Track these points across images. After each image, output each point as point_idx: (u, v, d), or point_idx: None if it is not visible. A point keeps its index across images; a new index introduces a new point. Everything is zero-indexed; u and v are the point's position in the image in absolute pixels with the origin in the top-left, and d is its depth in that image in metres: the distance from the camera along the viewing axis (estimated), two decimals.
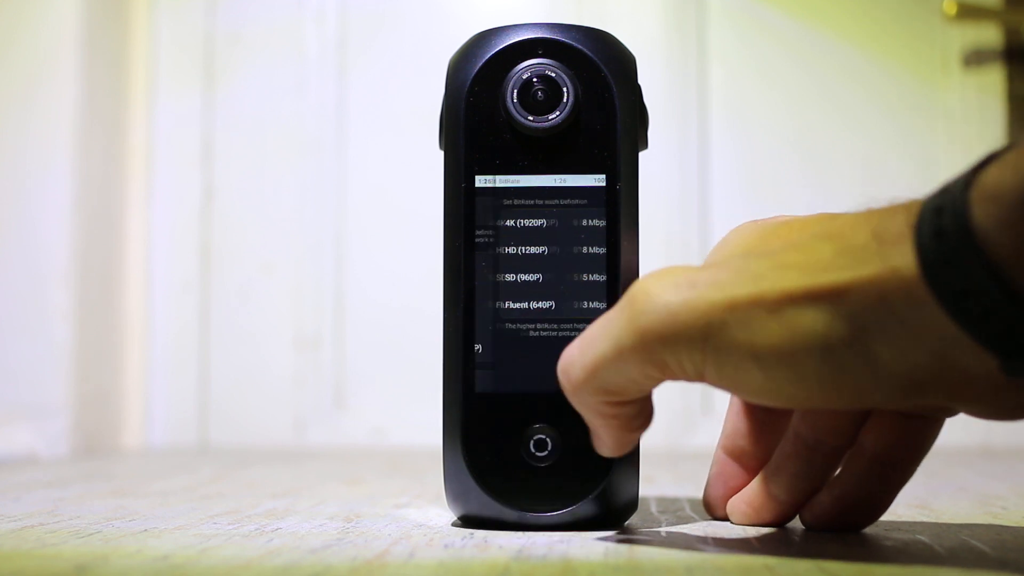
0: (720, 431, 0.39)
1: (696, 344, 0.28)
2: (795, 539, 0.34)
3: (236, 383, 1.04)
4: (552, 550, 0.32)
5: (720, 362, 0.28)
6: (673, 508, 0.44)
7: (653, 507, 0.45)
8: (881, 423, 0.34)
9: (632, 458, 0.36)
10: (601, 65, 0.37)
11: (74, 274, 0.93)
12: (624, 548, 0.32)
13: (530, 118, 0.37)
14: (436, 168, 0.39)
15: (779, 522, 0.37)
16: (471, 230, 0.37)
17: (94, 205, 0.97)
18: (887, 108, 1.02)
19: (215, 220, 1.05)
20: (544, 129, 0.37)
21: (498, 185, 0.37)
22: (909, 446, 0.33)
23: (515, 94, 0.37)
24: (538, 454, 0.36)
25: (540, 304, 0.37)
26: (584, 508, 0.36)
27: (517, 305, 0.37)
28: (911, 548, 0.32)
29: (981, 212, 0.24)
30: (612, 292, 0.36)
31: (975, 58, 1.02)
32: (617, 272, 0.36)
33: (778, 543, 0.33)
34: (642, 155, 0.38)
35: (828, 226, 0.28)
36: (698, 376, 0.29)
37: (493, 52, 0.37)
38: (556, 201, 0.37)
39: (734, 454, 0.38)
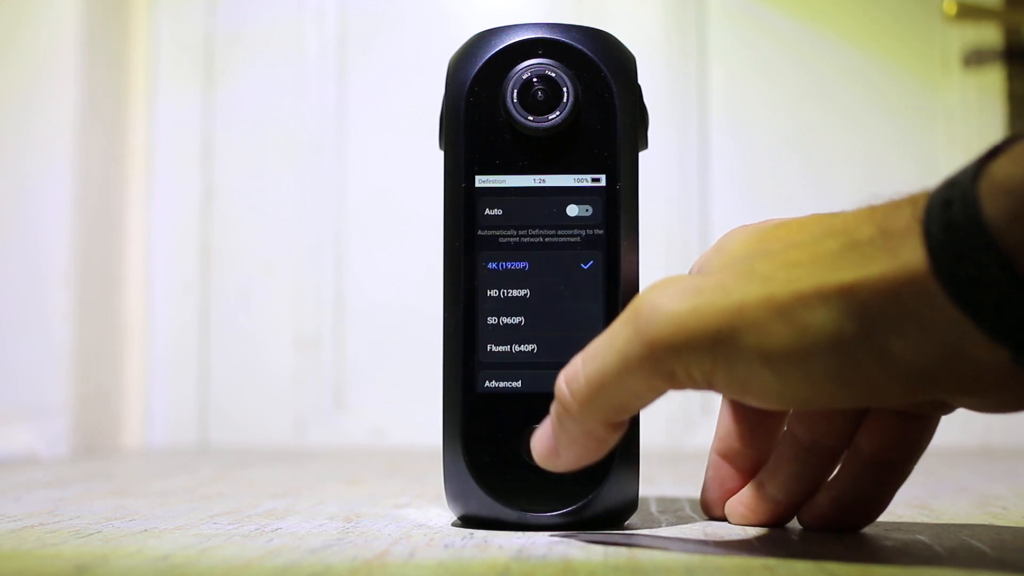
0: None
1: (706, 351, 0.28)
2: (795, 539, 0.34)
3: (236, 383, 1.04)
4: (552, 550, 0.32)
5: (731, 368, 0.28)
6: (673, 508, 0.44)
7: (653, 507, 0.45)
8: (877, 424, 0.34)
9: (632, 458, 0.36)
10: (601, 65, 0.37)
11: (74, 274, 0.93)
12: (624, 548, 0.32)
13: (530, 118, 0.37)
14: (436, 168, 0.39)
15: (777, 523, 0.37)
16: (471, 230, 0.37)
17: (94, 205, 0.97)
18: (887, 108, 1.02)
19: (215, 220, 1.05)
20: (544, 129, 0.37)
21: (498, 185, 0.37)
22: (905, 446, 0.33)
23: (515, 94, 0.37)
24: None
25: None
26: (584, 508, 0.36)
27: (517, 304, 0.37)
28: (911, 548, 0.32)
29: (991, 205, 0.24)
30: (611, 290, 0.36)
31: (975, 58, 1.02)
32: (617, 270, 0.36)
33: (778, 543, 0.33)
34: (642, 155, 0.38)
35: (830, 223, 0.28)
36: (707, 384, 0.29)
37: (493, 52, 0.37)
38: (556, 201, 0.37)
39: (728, 456, 0.39)
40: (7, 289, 0.93)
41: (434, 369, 0.37)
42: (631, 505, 0.37)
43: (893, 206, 0.27)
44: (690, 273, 0.33)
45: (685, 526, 0.38)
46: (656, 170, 0.99)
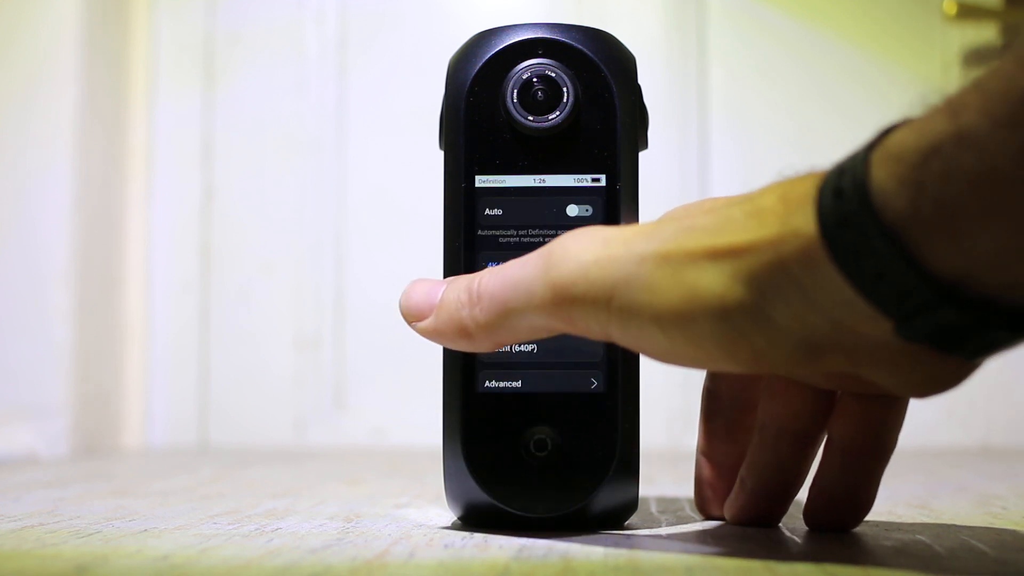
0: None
1: (601, 303, 0.29)
2: (795, 539, 0.34)
3: (236, 383, 1.04)
4: (552, 550, 0.32)
5: (624, 323, 0.29)
6: (673, 508, 0.44)
7: (653, 507, 0.45)
8: (843, 412, 0.33)
9: (632, 458, 0.36)
10: (601, 65, 0.37)
11: (74, 274, 0.93)
12: (624, 548, 0.32)
13: (530, 118, 0.37)
14: (436, 168, 0.38)
15: (765, 518, 0.36)
16: (471, 230, 0.37)
17: (94, 205, 0.97)
18: (887, 108, 1.01)
19: (215, 220, 1.05)
20: (544, 129, 0.37)
21: (498, 185, 0.37)
22: (872, 431, 0.33)
23: (515, 94, 0.37)
24: (538, 454, 0.36)
25: None
26: (584, 508, 0.36)
27: None
28: (911, 548, 0.32)
29: (882, 172, 0.24)
30: None
31: (975, 58, 1.02)
32: None
33: (778, 543, 0.33)
34: (642, 155, 0.38)
35: (742, 195, 0.29)
36: (605, 335, 0.30)
37: (493, 52, 0.37)
38: (556, 201, 0.37)
39: (710, 456, 0.39)
40: (7, 289, 0.93)
41: (434, 369, 0.37)
42: (631, 505, 0.37)
43: (799, 178, 0.27)
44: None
45: (685, 526, 0.38)
46: (656, 170, 0.99)
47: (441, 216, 0.37)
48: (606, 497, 0.36)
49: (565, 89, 0.37)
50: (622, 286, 0.28)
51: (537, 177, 0.37)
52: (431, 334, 0.33)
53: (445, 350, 0.37)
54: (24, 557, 0.31)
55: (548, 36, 0.37)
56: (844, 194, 0.25)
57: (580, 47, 0.37)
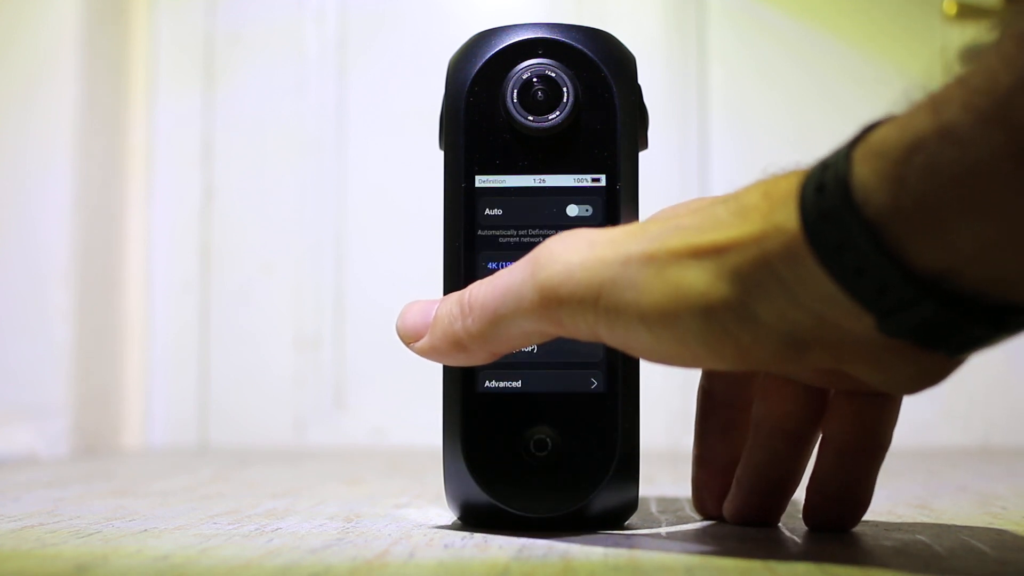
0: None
1: (588, 304, 0.29)
2: (795, 539, 0.34)
3: (236, 383, 1.04)
4: (552, 550, 0.32)
5: (611, 323, 0.29)
6: (673, 508, 0.44)
7: (653, 507, 0.45)
8: (836, 411, 0.33)
9: (632, 458, 0.36)
10: (601, 65, 0.37)
11: (74, 274, 0.93)
12: (624, 548, 0.32)
13: (530, 118, 0.37)
14: (436, 168, 0.38)
15: (764, 517, 0.36)
16: (471, 230, 0.37)
17: (94, 205, 0.97)
18: (887, 108, 1.02)
19: (215, 220, 1.05)
20: (544, 129, 0.37)
21: (498, 185, 0.37)
22: (865, 429, 0.33)
23: (515, 94, 0.37)
24: (538, 454, 0.36)
25: None
26: (584, 508, 0.36)
27: None
28: (911, 548, 0.32)
29: (864, 168, 0.24)
30: None
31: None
32: None
33: (778, 543, 0.33)
34: (642, 155, 0.38)
35: (728, 194, 0.29)
36: (593, 336, 0.30)
37: (493, 52, 0.37)
38: (556, 201, 0.37)
39: (706, 455, 0.39)
40: (7, 289, 0.93)
41: (434, 369, 0.37)
42: (631, 505, 0.37)
43: (783, 175, 0.27)
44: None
45: (685, 526, 0.38)
46: (656, 170, 0.99)
47: (441, 216, 0.37)
48: (606, 497, 0.36)
49: (565, 89, 0.37)
50: (608, 286, 0.29)
51: (537, 177, 0.37)
52: (428, 352, 0.34)
53: None
54: (24, 557, 0.31)
55: (548, 36, 0.37)
56: (826, 189, 0.25)
57: (580, 47, 0.37)
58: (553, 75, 0.37)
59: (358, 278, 1.03)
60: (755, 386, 0.36)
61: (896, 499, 0.47)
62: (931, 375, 0.28)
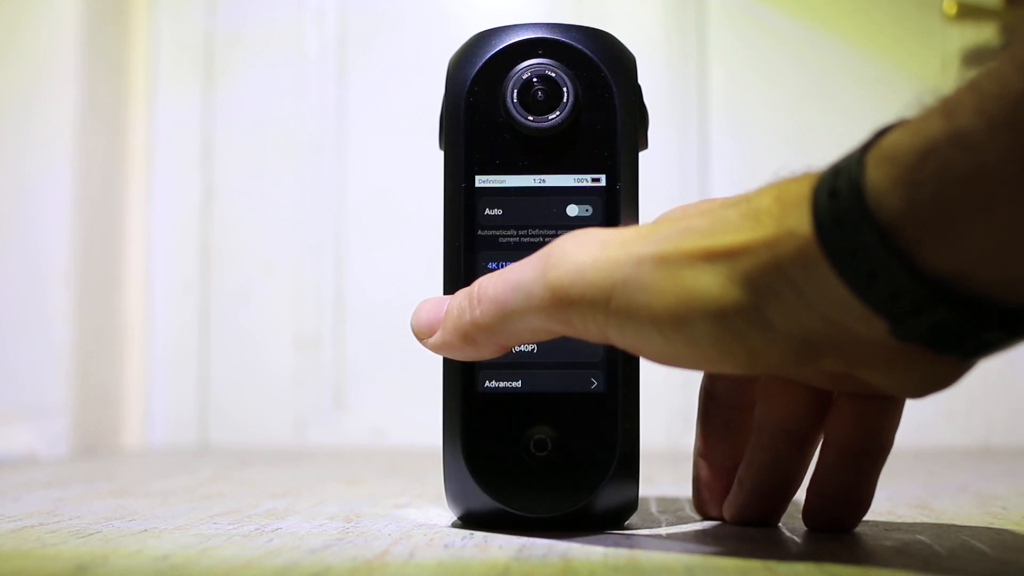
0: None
1: (599, 305, 0.29)
2: (795, 539, 0.34)
3: (236, 383, 1.04)
4: (552, 550, 0.32)
5: (621, 325, 0.29)
6: (673, 508, 0.44)
7: (653, 507, 0.45)
8: (840, 412, 0.33)
9: (632, 458, 0.36)
10: (601, 65, 0.37)
11: (74, 274, 0.93)
12: (624, 548, 0.32)
13: (530, 118, 0.37)
14: (436, 168, 0.38)
15: (765, 518, 0.36)
16: (471, 230, 0.37)
17: (94, 205, 0.97)
18: (887, 108, 1.02)
19: (215, 220, 1.05)
20: (544, 129, 0.37)
21: (498, 185, 0.37)
22: (868, 431, 0.33)
23: (515, 94, 0.37)
24: (538, 454, 0.36)
25: None
26: (584, 508, 0.36)
27: None
28: (911, 548, 0.32)
29: (877, 173, 0.24)
30: None
31: (975, 58, 1.02)
32: None
33: (778, 543, 0.33)
34: (642, 155, 0.38)
35: (738, 196, 0.29)
36: (602, 337, 0.30)
37: (493, 52, 0.37)
38: (556, 201, 0.37)
39: (708, 456, 0.39)
40: (7, 289, 0.93)
41: (434, 369, 0.37)
42: (631, 505, 0.37)
43: (795, 178, 0.27)
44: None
45: (685, 526, 0.38)
46: (656, 170, 0.99)
47: (441, 216, 0.37)
48: (606, 497, 0.36)
49: (565, 89, 0.37)
50: (619, 288, 0.28)
51: (537, 177, 0.37)
52: (440, 347, 0.34)
53: None
54: (24, 557, 0.31)
55: (548, 36, 0.37)
56: (839, 194, 0.25)
57: (580, 47, 0.37)
58: (553, 75, 0.37)
59: (358, 278, 1.03)
60: (758, 387, 0.36)
61: (896, 499, 0.47)
62: (941, 379, 0.28)
